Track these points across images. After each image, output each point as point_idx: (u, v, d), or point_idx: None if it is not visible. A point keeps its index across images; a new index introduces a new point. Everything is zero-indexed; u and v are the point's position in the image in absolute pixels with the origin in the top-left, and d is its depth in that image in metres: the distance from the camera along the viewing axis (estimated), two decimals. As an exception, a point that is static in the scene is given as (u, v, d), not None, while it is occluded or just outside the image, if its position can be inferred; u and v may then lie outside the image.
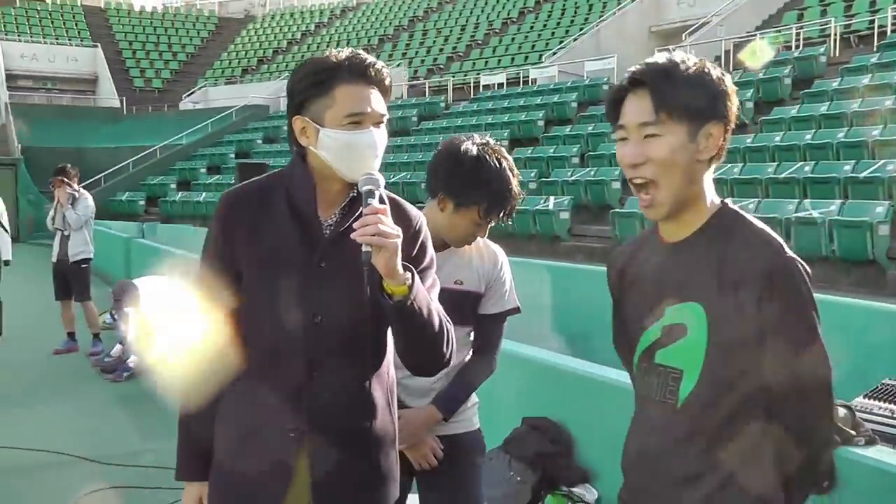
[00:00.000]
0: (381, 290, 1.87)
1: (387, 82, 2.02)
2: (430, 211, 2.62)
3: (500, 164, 2.57)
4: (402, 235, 1.86)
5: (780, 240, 1.73)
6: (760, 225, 1.78)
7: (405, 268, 1.88)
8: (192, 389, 2.08)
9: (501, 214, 2.59)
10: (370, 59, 1.99)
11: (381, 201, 1.89)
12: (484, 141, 2.61)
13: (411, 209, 2.13)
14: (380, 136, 1.98)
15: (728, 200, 1.84)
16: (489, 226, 2.65)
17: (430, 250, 2.12)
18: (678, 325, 1.76)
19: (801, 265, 1.70)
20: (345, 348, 2.00)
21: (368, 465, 2.07)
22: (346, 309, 1.99)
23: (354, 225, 1.83)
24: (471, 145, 2.58)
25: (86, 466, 5.34)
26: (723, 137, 1.77)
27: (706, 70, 1.77)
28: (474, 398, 2.86)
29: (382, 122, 2.00)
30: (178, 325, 2.02)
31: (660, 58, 1.80)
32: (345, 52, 1.99)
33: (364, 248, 1.82)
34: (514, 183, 2.59)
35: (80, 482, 4.99)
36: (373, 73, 1.98)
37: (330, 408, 1.99)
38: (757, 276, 1.67)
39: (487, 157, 2.55)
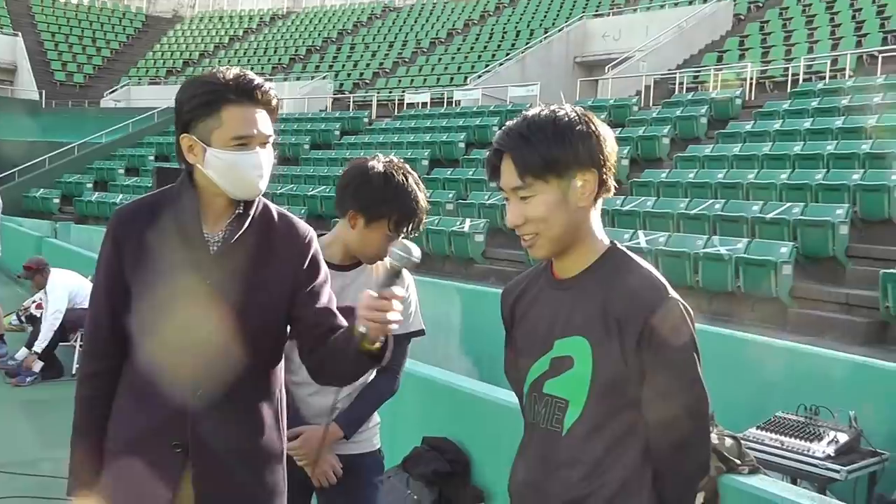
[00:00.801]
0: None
1: (273, 103, 2.06)
2: (342, 229, 2.70)
3: (407, 178, 2.66)
4: (402, 321, 1.90)
5: (664, 281, 1.83)
6: (647, 266, 1.87)
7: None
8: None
9: (410, 227, 2.68)
10: (257, 80, 2.03)
11: (397, 275, 1.90)
12: (388, 159, 2.72)
13: (301, 225, 2.17)
14: (265, 157, 2.02)
15: (616, 242, 1.93)
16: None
17: (323, 266, 2.17)
18: (566, 357, 1.84)
19: (683, 306, 1.80)
20: (231, 366, 2.02)
21: (254, 480, 2.09)
22: (232, 326, 2.00)
23: (364, 306, 1.85)
24: (377, 163, 2.68)
25: (-18, 473, 5.20)
26: (597, 181, 1.83)
27: (567, 122, 1.81)
28: (376, 418, 2.93)
29: (268, 142, 2.04)
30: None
31: (520, 120, 1.85)
32: (232, 72, 2.01)
33: (362, 330, 1.85)
34: (421, 196, 2.69)
35: (-23, 489, 4.87)
36: (259, 95, 2.01)
37: (215, 425, 2.01)
38: (638, 316, 1.77)
39: (394, 172, 2.65)
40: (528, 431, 1.97)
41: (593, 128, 1.83)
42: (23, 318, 9.83)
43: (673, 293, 1.81)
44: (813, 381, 5.39)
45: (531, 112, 1.86)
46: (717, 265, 11.09)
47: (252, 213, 2.07)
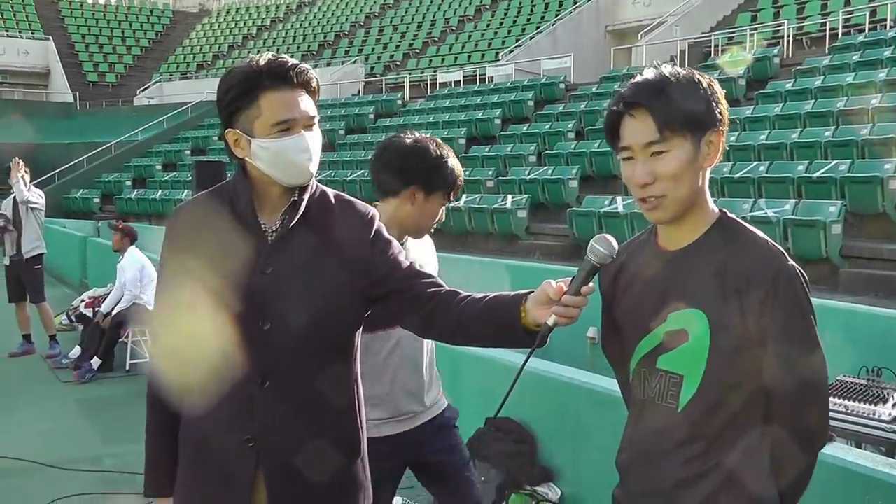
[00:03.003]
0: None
1: (313, 83, 2.00)
2: (396, 208, 2.75)
3: (442, 148, 2.81)
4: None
5: (780, 248, 1.78)
6: (760, 233, 1.82)
7: None
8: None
9: (454, 193, 2.84)
10: (291, 61, 1.97)
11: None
12: (413, 134, 2.85)
13: (360, 205, 2.12)
14: (312, 140, 1.97)
15: (726, 210, 1.88)
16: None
17: (392, 239, 2.12)
18: (680, 330, 1.79)
19: (801, 273, 1.76)
20: (297, 356, 1.97)
21: (328, 474, 2.03)
22: (295, 315, 1.96)
23: (561, 304, 1.78)
24: (414, 139, 2.81)
25: (47, 473, 5.28)
26: (720, 141, 1.81)
27: (696, 80, 1.79)
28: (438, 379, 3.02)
29: (313, 123, 1.99)
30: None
31: (648, 74, 1.82)
32: (265, 58, 1.96)
33: (552, 323, 1.80)
34: (457, 162, 2.85)
35: (42, 489, 4.94)
36: (295, 77, 1.96)
37: (284, 417, 1.97)
38: (760, 282, 1.72)
39: (431, 145, 2.79)
40: (637, 407, 1.92)
41: (717, 87, 1.82)
42: (73, 318, 9.96)
43: (791, 259, 1.76)
44: (873, 343, 5.29)
45: (653, 70, 1.83)
46: (764, 228, 10.74)
47: (307, 198, 2.03)
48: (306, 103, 1.97)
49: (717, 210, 1.86)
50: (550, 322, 1.80)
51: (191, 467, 2.05)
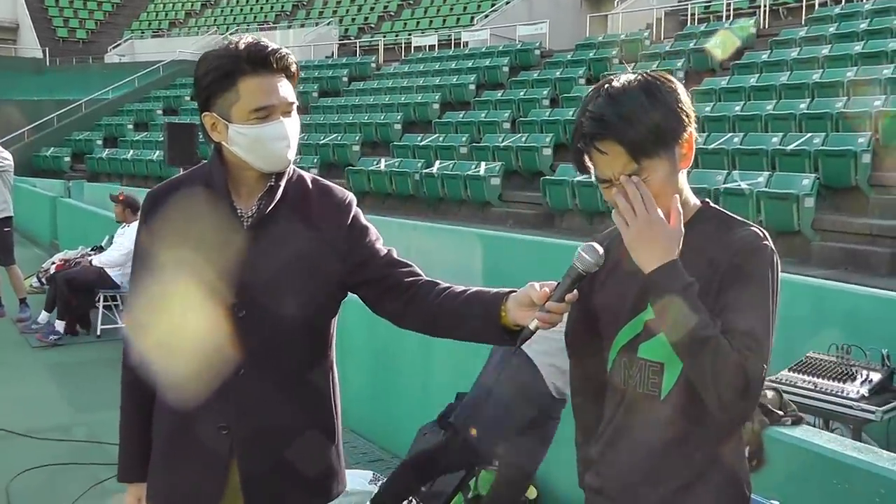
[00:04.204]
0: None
1: (292, 69, 1.97)
2: None
3: None
4: None
5: (765, 232, 1.77)
6: (745, 221, 1.81)
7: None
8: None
9: None
10: (271, 45, 1.94)
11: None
12: None
13: (338, 190, 2.09)
14: (291, 126, 1.95)
15: (708, 200, 1.87)
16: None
17: (370, 225, 2.10)
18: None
19: (774, 254, 1.74)
20: (272, 343, 1.97)
21: (303, 460, 2.03)
22: (271, 302, 1.95)
23: (544, 310, 1.77)
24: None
25: (16, 441, 5.23)
26: (692, 138, 1.78)
27: (654, 88, 1.73)
28: None
29: (292, 110, 1.96)
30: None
31: (604, 100, 1.73)
32: (244, 41, 1.93)
33: (533, 327, 1.79)
34: None
35: (11, 459, 4.90)
36: (275, 62, 1.92)
37: (259, 405, 1.96)
38: (731, 251, 1.72)
39: None
40: (615, 396, 1.90)
41: (676, 85, 1.76)
42: (43, 280, 9.84)
43: (769, 242, 1.75)
44: (844, 320, 5.34)
45: (603, 90, 1.75)
46: (737, 200, 10.95)
47: (284, 183, 2.01)
48: (285, 89, 1.95)
49: (698, 203, 1.86)
50: (532, 326, 1.80)
51: (165, 454, 2.04)
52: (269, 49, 1.93)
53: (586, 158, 1.78)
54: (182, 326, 1.96)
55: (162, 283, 1.98)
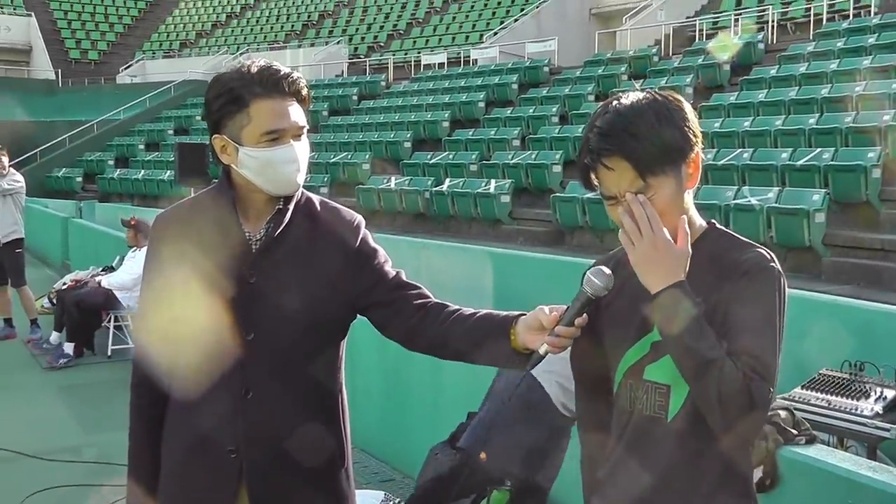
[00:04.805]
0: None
1: (304, 93, 1.98)
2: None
3: None
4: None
5: (773, 255, 1.75)
6: (751, 242, 1.79)
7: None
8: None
9: None
10: (284, 69, 1.95)
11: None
12: None
13: (347, 213, 2.09)
14: (301, 150, 1.95)
15: (714, 221, 1.86)
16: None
17: (379, 248, 2.10)
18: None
19: (781, 276, 1.72)
20: (281, 366, 1.96)
21: (312, 484, 2.02)
22: (279, 325, 1.95)
23: (554, 334, 1.77)
24: None
25: (27, 463, 5.22)
26: (699, 159, 1.77)
27: (661, 106, 1.73)
28: None
29: (302, 133, 1.97)
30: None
31: (612, 117, 1.73)
32: (257, 66, 1.94)
33: (543, 351, 1.79)
34: None
35: (22, 481, 4.88)
36: (287, 86, 1.93)
37: (268, 427, 1.96)
38: (738, 273, 1.70)
39: None
40: (622, 419, 1.87)
41: (683, 105, 1.75)
42: (54, 301, 9.87)
43: (776, 264, 1.73)
44: (857, 336, 5.30)
45: (611, 106, 1.75)
46: (747, 216, 10.93)
47: (293, 207, 2.01)
48: (296, 113, 1.95)
49: (704, 223, 1.85)
50: (542, 351, 1.79)
51: (174, 478, 2.04)
52: (282, 73, 1.94)
53: (592, 175, 1.77)
54: (189, 349, 1.96)
55: (171, 305, 1.98)
